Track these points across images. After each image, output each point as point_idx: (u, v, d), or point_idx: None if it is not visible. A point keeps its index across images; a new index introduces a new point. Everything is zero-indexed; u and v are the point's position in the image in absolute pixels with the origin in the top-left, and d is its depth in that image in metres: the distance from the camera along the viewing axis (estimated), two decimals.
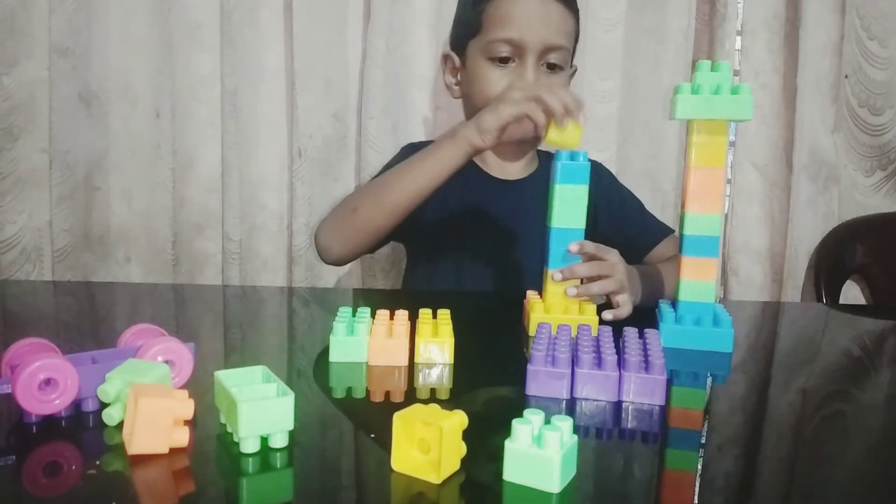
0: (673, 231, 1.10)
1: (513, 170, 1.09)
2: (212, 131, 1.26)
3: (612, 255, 0.81)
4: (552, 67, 1.00)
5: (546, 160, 1.12)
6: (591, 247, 0.79)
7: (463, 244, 1.05)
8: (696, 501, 0.44)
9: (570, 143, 0.78)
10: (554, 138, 0.78)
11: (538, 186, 1.06)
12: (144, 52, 1.24)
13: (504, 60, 0.99)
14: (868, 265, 1.30)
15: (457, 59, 1.07)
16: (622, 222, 1.07)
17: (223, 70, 1.22)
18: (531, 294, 0.81)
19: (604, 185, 1.06)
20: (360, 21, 1.25)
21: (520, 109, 0.80)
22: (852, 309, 1.23)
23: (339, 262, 0.96)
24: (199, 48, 1.24)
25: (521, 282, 1.02)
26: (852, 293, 1.32)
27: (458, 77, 1.08)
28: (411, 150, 1.11)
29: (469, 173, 1.08)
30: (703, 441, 0.53)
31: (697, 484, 0.46)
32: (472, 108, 1.08)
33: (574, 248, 0.77)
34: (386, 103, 1.24)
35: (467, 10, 1.05)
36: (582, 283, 0.79)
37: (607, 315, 0.78)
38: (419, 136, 1.27)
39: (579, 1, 1.19)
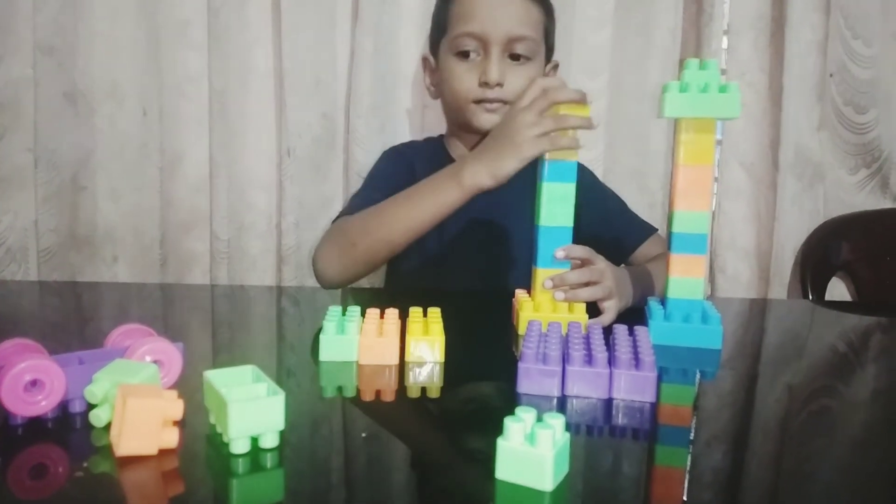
0: (657, 230, 1.10)
1: None
2: (199, 130, 1.25)
3: (600, 262, 0.81)
4: (517, 59, 1.00)
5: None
6: (579, 251, 0.79)
7: (447, 243, 1.05)
8: (685, 497, 0.44)
9: (568, 156, 0.78)
10: (552, 156, 0.77)
11: (522, 185, 1.07)
12: (131, 50, 1.23)
13: (467, 54, 0.99)
14: (853, 262, 1.31)
15: (433, 61, 1.08)
16: (606, 222, 1.07)
17: (211, 68, 1.21)
18: (520, 292, 0.82)
19: (586, 186, 1.06)
20: (349, 20, 1.25)
21: (542, 148, 0.76)
22: (838, 305, 1.24)
23: (337, 287, 0.96)
24: (187, 46, 1.23)
25: (506, 281, 1.02)
26: (838, 290, 1.34)
27: (435, 78, 1.09)
28: (394, 153, 1.12)
29: None
30: (692, 437, 0.54)
31: (687, 479, 0.47)
32: (446, 107, 1.09)
33: (560, 254, 0.77)
34: (373, 102, 1.23)
35: (437, 11, 1.08)
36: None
37: (591, 322, 0.78)
38: (406, 135, 1.27)
39: (566, 0, 1.20)
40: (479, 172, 0.81)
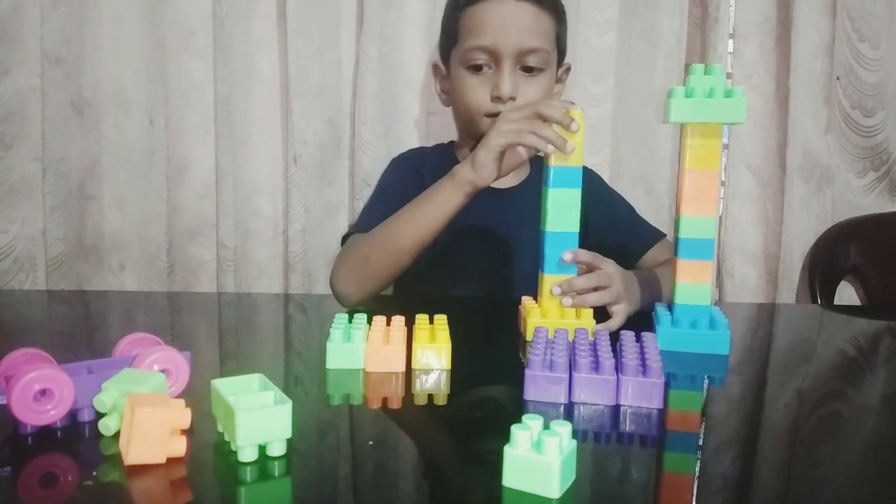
0: (665, 235, 1.10)
1: (504, 177, 1.09)
2: (205, 138, 1.25)
3: (608, 265, 0.80)
4: (530, 70, 1.00)
5: (537, 167, 1.12)
6: (586, 255, 0.79)
7: (455, 253, 1.05)
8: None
9: (573, 162, 0.77)
10: (557, 162, 0.77)
11: (530, 193, 1.06)
12: (137, 58, 1.24)
13: (479, 68, 0.99)
14: (862, 266, 1.30)
15: (443, 69, 1.08)
16: (614, 227, 1.07)
17: (216, 76, 1.22)
18: (526, 299, 0.81)
19: (594, 191, 1.06)
20: (354, 26, 1.25)
21: (508, 140, 0.79)
22: (847, 310, 1.23)
23: (359, 304, 0.95)
24: (192, 54, 1.24)
25: (514, 290, 1.02)
26: (847, 294, 1.33)
27: (445, 85, 1.09)
28: (402, 162, 1.11)
29: None
30: (700, 443, 0.53)
31: (695, 486, 0.46)
32: (457, 116, 1.08)
33: (568, 256, 0.77)
34: (379, 109, 1.24)
35: (447, 20, 1.06)
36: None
37: (599, 327, 0.78)
38: (412, 141, 1.27)
39: (571, 4, 1.20)
40: (465, 166, 0.84)
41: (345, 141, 1.28)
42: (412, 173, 1.07)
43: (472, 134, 1.06)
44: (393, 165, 1.11)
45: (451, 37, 1.03)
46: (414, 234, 0.86)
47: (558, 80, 1.08)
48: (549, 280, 0.78)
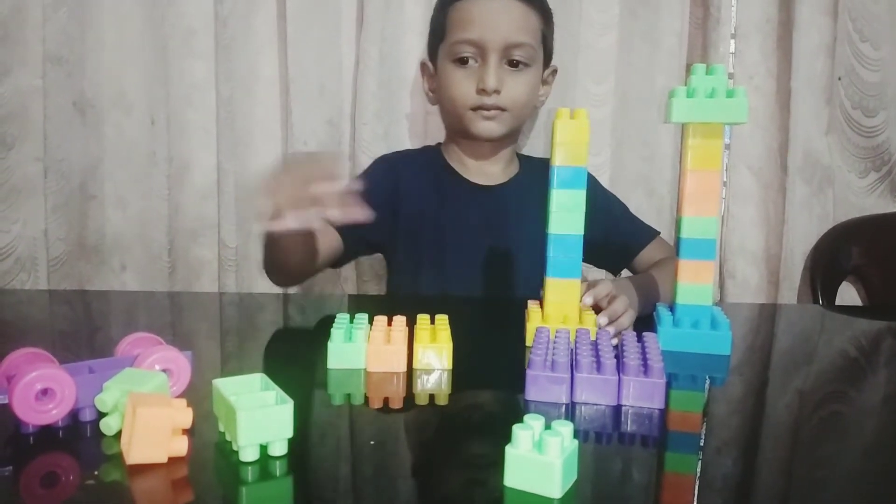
0: (659, 233, 1.10)
1: (493, 174, 1.09)
2: (206, 138, 1.25)
3: (613, 288, 0.80)
4: (515, 65, 1.00)
5: (526, 164, 1.12)
6: (604, 289, 0.78)
7: (444, 251, 1.05)
8: None
9: (577, 163, 0.76)
10: (561, 163, 0.76)
11: (519, 191, 1.07)
12: (139, 59, 1.24)
13: (465, 61, 1.00)
14: (863, 266, 1.30)
15: (432, 67, 1.08)
16: (609, 228, 1.07)
17: (218, 77, 1.22)
18: (531, 303, 0.81)
19: (589, 191, 1.06)
20: (354, 27, 1.25)
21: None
22: (848, 310, 1.23)
23: (285, 286, 1.01)
24: (194, 55, 1.24)
25: (505, 288, 1.01)
26: (848, 294, 1.33)
27: (433, 84, 1.09)
28: (381, 163, 1.12)
29: (447, 179, 1.08)
30: (702, 444, 0.53)
31: (697, 486, 0.46)
32: (444, 113, 1.09)
33: (588, 301, 0.77)
34: (378, 109, 1.24)
35: (435, 18, 1.07)
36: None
37: (608, 328, 0.77)
38: (412, 142, 1.27)
39: (572, 5, 1.20)
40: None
41: (345, 141, 1.28)
42: (386, 175, 1.07)
43: (457, 130, 1.06)
44: (372, 166, 1.12)
45: (438, 33, 1.04)
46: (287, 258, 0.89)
47: (544, 82, 1.08)
48: (553, 284, 0.76)
